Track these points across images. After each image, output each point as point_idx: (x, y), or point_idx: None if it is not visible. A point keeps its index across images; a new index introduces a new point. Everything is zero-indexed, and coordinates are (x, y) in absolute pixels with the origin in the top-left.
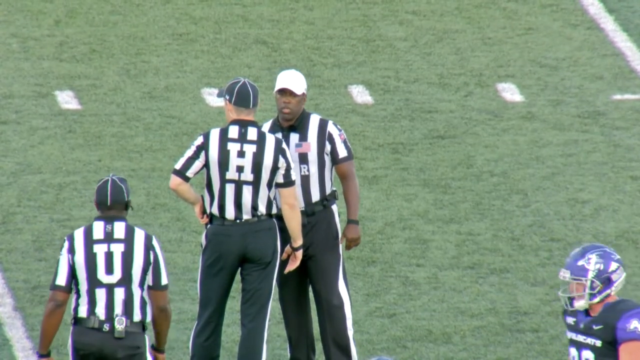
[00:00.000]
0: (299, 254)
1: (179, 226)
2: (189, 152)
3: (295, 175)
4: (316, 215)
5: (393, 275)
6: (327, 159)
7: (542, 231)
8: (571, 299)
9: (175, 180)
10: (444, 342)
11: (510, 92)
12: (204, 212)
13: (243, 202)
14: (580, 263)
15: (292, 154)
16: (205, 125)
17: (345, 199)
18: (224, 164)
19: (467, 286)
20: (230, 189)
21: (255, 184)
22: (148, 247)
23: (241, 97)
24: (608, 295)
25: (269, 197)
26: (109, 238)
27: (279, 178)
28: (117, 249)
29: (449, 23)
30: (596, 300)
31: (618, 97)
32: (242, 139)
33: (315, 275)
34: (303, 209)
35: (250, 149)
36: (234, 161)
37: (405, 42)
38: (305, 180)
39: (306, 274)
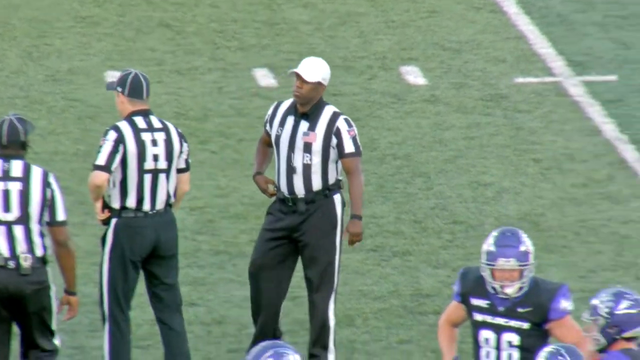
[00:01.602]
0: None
1: (83, 210)
2: (108, 147)
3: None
4: (315, 203)
5: None
6: (333, 151)
7: (444, 214)
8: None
9: (102, 176)
10: (347, 325)
11: (413, 75)
12: (104, 207)
13: (158, 192)
14: (522, 249)
15: (298, 141)
16: (108, 108)
17: (349, 194)
18: (141, 155)
19: (370, 269)
20: (147, 180)
21: (168, 172)
22: (45, 184)
23: (135, 88)
24: None
25: (174, 186)
26: (6, 176)
27: (182, 163)
28: (14, 187)
29: (352, 6)
30: (526, 286)
31: (520, 80)
32: (150, 128)
33: (308, 261)
34: (303, 196)
35: (160, 137)
36: (149, 150)
37: (308, 25)
38: (306, 168)
39: (293, 259)
